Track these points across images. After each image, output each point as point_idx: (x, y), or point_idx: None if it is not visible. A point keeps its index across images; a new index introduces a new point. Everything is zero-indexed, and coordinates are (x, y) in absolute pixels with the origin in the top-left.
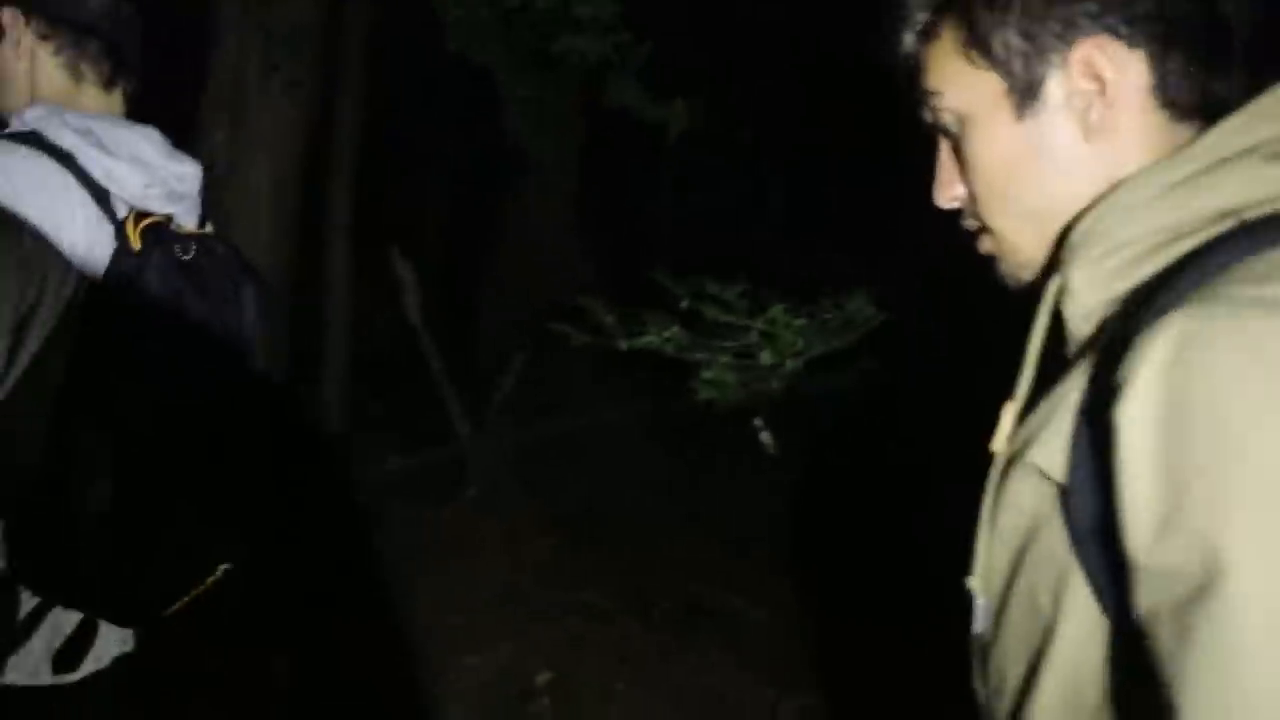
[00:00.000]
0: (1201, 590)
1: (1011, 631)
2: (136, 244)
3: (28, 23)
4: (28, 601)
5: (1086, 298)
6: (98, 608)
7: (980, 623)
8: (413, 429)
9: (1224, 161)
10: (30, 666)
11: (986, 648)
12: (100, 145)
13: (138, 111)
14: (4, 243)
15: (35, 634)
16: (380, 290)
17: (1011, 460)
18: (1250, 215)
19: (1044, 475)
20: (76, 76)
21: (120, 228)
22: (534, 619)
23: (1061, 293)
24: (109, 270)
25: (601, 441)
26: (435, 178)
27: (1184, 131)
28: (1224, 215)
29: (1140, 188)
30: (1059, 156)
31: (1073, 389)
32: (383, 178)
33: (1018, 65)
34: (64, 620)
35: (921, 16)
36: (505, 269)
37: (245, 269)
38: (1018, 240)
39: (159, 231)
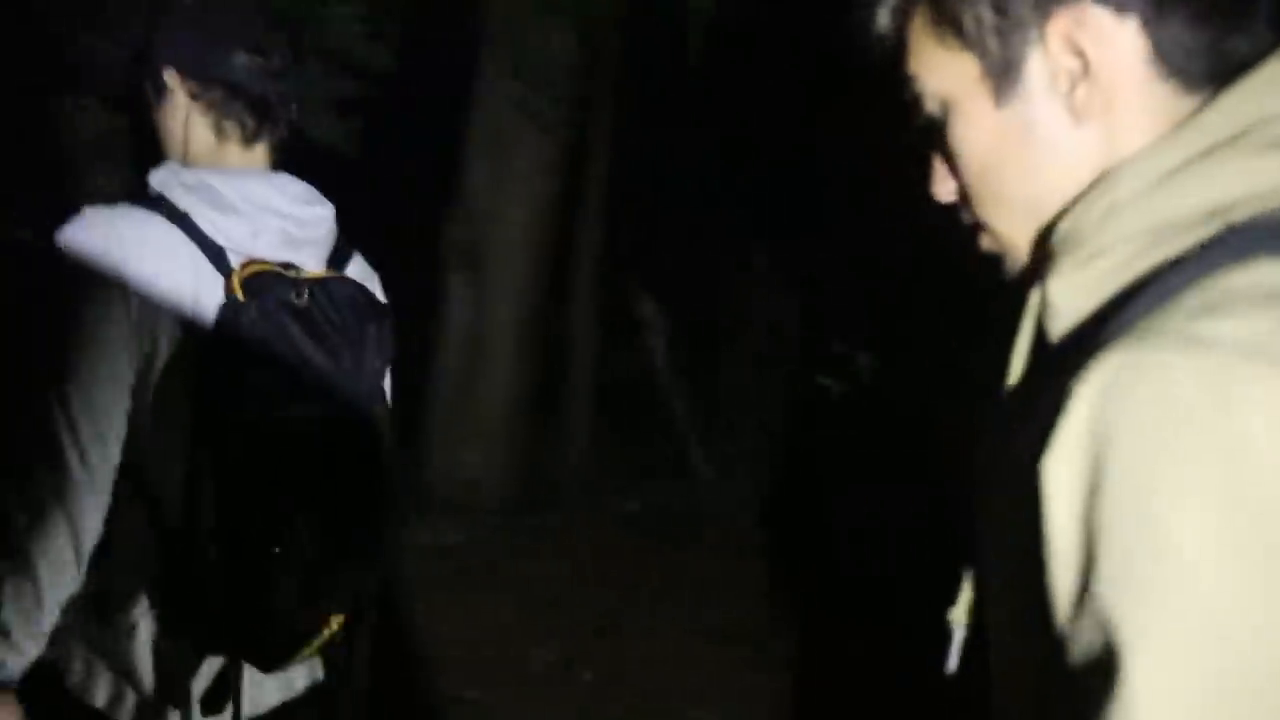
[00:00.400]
0: (1107, 682)
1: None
2: (240, 294)
3: (182, 80)
4: (186, 651)
5: (1067, 312)
6: (236, 649)
7: (954, 658)
8: (651, 467)
9: (1217, 147)
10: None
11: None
12: (210, 201)
13: (408, 163)
14: (117, 305)
15: (195, 680)
16: (621, 324)
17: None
18: (1237, 216)
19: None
20: (220, 134)
21: (229, 278)
22: (776, 673)
23: (1043, 305)
24: (217, 321)
25: (851, 491)
26: (675, 209)
27: (1196, 102)
28: (1212, 215)
29: (1125, 181)
30: (1048, 143)
31: (1046, 414)
32: (625, 210)
33: (992, 43)
34: (214, 665)
35: None
36: (748, 306)
37: (373, 309)
38: (1015, 237)
39: (264, 278)
